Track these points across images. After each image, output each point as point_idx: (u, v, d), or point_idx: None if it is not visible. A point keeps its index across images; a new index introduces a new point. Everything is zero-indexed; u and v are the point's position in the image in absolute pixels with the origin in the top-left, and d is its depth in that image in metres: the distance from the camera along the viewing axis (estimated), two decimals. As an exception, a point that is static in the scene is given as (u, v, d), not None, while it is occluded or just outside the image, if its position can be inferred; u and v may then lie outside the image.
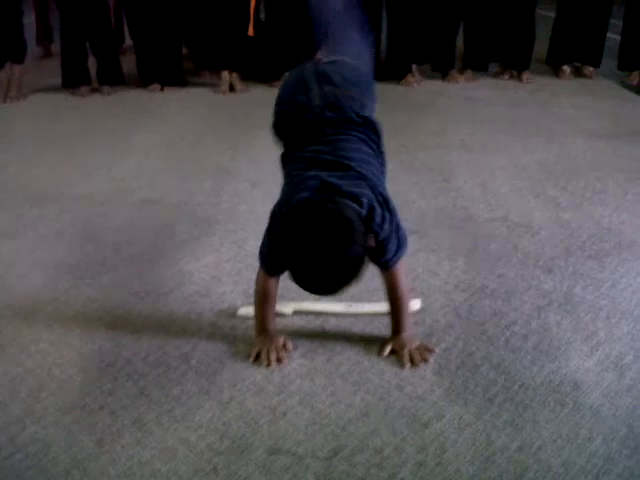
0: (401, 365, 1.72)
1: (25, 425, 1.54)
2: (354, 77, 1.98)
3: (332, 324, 1.90)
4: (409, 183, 2.88)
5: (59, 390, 1.65)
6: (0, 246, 2.43)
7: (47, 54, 5.84)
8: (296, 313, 1.95)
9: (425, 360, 1.73)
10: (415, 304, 1.93)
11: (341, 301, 1.96)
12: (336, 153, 1.70)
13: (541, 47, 4.91)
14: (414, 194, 2.77)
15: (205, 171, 3.13)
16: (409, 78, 4.74)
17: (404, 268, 1.76)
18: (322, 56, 2.04)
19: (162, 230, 2.52)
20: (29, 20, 5.27)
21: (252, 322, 1.88)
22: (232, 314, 1.95)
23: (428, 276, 2.15)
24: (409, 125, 3.81)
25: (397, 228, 1.68)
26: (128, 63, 4.90)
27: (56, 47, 5.36)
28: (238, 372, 1.70)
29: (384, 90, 4.61)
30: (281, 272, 1.72)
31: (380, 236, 1.61)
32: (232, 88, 4.66)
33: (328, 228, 1.47)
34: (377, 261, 1.69)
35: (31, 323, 1.94)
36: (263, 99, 4.46)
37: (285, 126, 1.93)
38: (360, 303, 1.97)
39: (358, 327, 1.88)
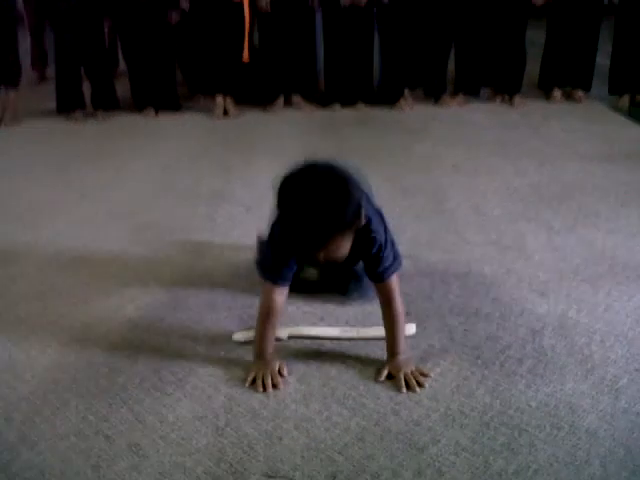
0: (397, 389, 1.72)
1: (19, 451, 1.53)
2: None
3: (328, 348, 1.90)
4: (402, 206, 2.90)
5: (54, 416, 1.64)
6: (-6, 271, 2.43)
7: (42, 78, 5.86)
8: (291, 338, 1.95)
9: (421, 385, 1.73)
10: (410, 328, 1.94)
11: (336, 326, 1.99)
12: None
13: (532, 71, 4.96)
14: (407, 217, 2.79)
15: (199, 195, 3.14)
16: (402, 102, 4.78)
17: (399, 287, 1.79)
18: None
19: (156, 254, 2.52)
20: (24, 45, 5.29)
21: (247, 347, 1.89)
22: (227, 339, 1.95)
23: (422, 300, 2.15)
24: (402, 149, 3.84)
25: (392, 243, 1.77)
26: (122, 87, 4.92)
27: (51, 71, 5.39)
28: (233, 397, 1.70)
29: (377, 115, 4.67)
30: (284, 278, 1.76)
31: (376, 243, 1.70)
32: (226, 112, 4.69)
33: (327, 176, 1.56)
34: (374, 271, 1.75)
35: (26, 348, 1.93)
36: (257, 123, 4.52)
37: None
38: (355, 328, 1.97)
39: (353, 351, 1.88)
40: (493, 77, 4.90)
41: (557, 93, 4.93)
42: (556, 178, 3.28)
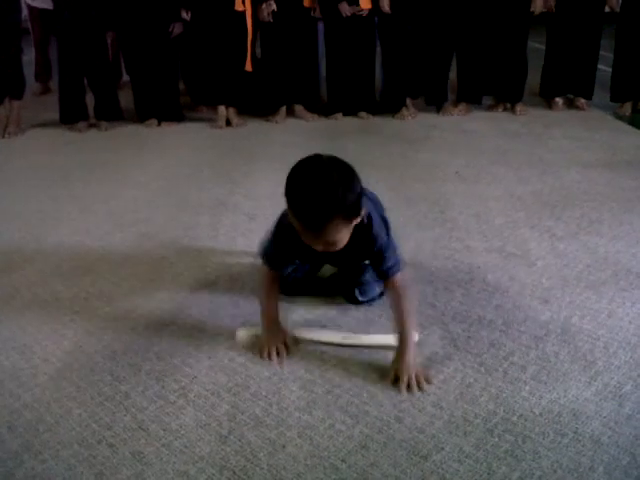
0: (398, 391, 1.73)
1: (23, 460, 1.53)
2: None
3: (331, 355, 1.90)
4: (405, 215, 2.90)
5: (57, 424, 1.64)
6: (-2, 281, 2.43)
7: (45, 90, 5.90)
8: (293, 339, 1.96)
9: (422, 390, 1.73)
10: (413, 337, 1.93)
11: (339, 332, 1.99)
12: None
13: (534, 79, 4.97)
14: (410, 226, 2.79)
15: (202, 205, 3.15)
16: (404, 111, 4.80)
17: (407, 287, 1.85)
18: None
19: (159, 264, 2.53)
20: (28, 57, 5.33)
21: (250, 354, 1.90)
22: (230, 347, 1.95)
23: (425, 307, 2.15)
24: (404, 157, 3.85)
25: (394, 248, 1.85)
26: (125, 98, 4.94)
27: (54, 83, 5.42)
28: (237, 405, 1.70)
29: (379, 124, 4.69)
30: (281, 266, 1.95)
31: (377, 243, 1.80)
32: (229, 122, 4.71)
33: (332, 164, 1.70)
34: (379, 269, 1.85)
35: (29, 357, 1.93)
36: (260, 133, 4.54)
37: None
38: (357, 335, 1.97)
39: (357, 359, 1.88)
40: (495, 86, 4.91)
41: (559, 101, 4.94)
42: (559, 185, 3.28)
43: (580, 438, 1.55)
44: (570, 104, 4.96)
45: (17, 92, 4.60)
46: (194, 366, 1.86)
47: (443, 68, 4.84)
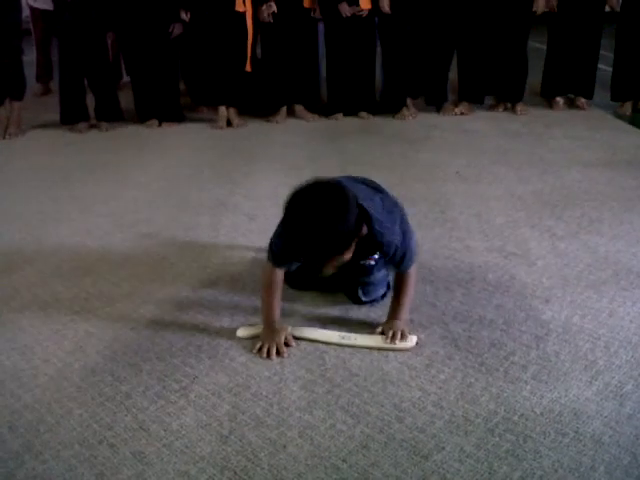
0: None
1: (24, 460, 1.53)
2: None
3: (331, 356, 1.90)
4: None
5: (58, 425, 1.65)
6: (-1, 281, 2.44)
7: (46, 91, 5.89)
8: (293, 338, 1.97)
9: (404, 337, 1.92)
10: (411, 340, 1.94)
11: (338, 332, 2.00)
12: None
13: (534, 79, 4.97)
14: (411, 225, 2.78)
15: (203, 205, 3.15)
16: (404, 111, 4.79)
17: (415, 268, 1.99)
18: None
19: (160, 264, 2.53)
20: (29, 57, 5.33)
21: (251, 355, 1.90)
22: (231, 347, 1.95)
23: (426, 307, 2.15)
24: (405, 157, 3.85)
25: (410, 235, 1.94)
26: (126, 99, 4.94)
27: (54, 84, 5.42)
28: (237, 405, 1.70)
29: (380, 124, 4.68)
30: (286, 264, 1.95)
31: (386, 247, 1.85)
32: (229, 123, 4.71)
33: (327, 201, 1.66)
34: (399, 267, 1.95)
35: (30, 357, 1.93)
36: (260, 133, 4.54)
37: None
38: (355, 335, 1.98)
39: (357, 359, 1.88)
40: (495, 85, 4.91)
41: (559, 101, 4.94)
42: (559, 185, 3.28)
43: (581, 438, 1.55)
44: (571, 104, 4.95)
45: (18, 93, 4.60)
46: (195, 366, 1.86)
47: (443, 68, 4.83)
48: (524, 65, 4.75)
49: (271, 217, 2.51)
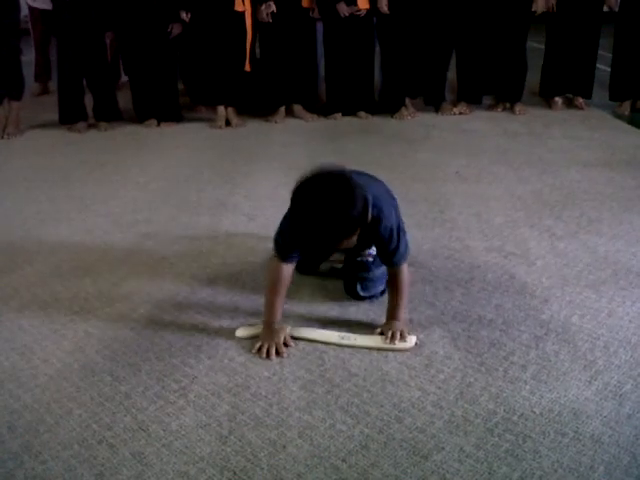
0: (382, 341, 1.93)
1: (23, 460, 1.53)
2: None
3: (331, 356, 1.90)
4: (405, 215, 2.85)
5: (57, 425, 1.64)
6: (-2, 281, 2.43)
7: (44, 91, 5.89)
8: (291, 338, 1.97)
9: (403, 338, 1.92)
10: (410, 340, 1.94)
11: (337, 332, 2.00)
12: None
13: (533, 79, 4.97)
14: (410, 225, 2.76)
15: (202, 205, 3.15)
16: (403, 111, 4.79)
17: (407, 267, 2.00)
18: None
19: (159, 264, 2.53)
20: (27, 57, 5.32)
21: (250, 355, 1.90)
22: (230, 347, 1.95)
23: (425, 307, 2.15)
24: (404, 157, 3.85)
25: (404, 232, 1.98)
26: (125, 99, 4.94)
27: (53, 84, 5.42)
28: (237, 406, 1.70)
29: (379, 124, 4.68)
30: (293, 258, 1.95)
31: (385, 237, 1.88)
32: (228, 123, 4.71)
33: (334, 188, 1.67)
34: (389, 261, 1.96)
35: (29, 357, 1.93)
36: (259, 133, 4.54)
37: None
38: (355, 335, 1.98)
39: (357, 359, 1.88)
40: (494, 85, 4.91)
41: (558, 100, 4.94)
42: (558, 185, 3.29)
43: (580, 437, 1.55)
44: (569, 103, 4.96)
45: (16, 93, 4.60)
46: (194, 366, 1.86)
47: (441, 68, 4.84)
48: (523, 65, 4.75)
49: (271, 217, 2.51)
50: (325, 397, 1.72)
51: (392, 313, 2.00)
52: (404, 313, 2.01)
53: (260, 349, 1.91)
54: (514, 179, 3.40)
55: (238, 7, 4.40)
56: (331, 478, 1.46)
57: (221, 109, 4.72)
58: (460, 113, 4.84)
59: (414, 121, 4.74)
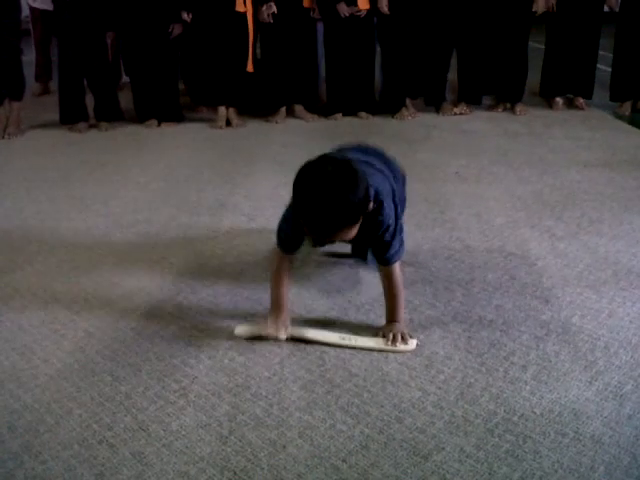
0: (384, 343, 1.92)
1: (23, 460, 1.53)
2: None
3: (331, 356, 1.90)
4: (405, 214, 2.86)
5: (57, 425, 1.64)
6: (-2, 281, 2.43)
7: (45, 91, 5.89)
8: (291, 339, 1.97)
9: (404, 340, 1.91)
10: (412, 343, 1.93)
11: (337, 332, 1.99)
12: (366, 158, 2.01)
13: (534, 79, 4.97)
14: (410, 226, 2.78)
15: (202, 205, 3.15)
16: (404, 112, 4.79)
17: (399, 268, 1.98)
18: None
19: (159, 264, 2.53)
20: (28, 57, 5.32)
21: (251, 355, 1.90)
22: (230, 347, 1.95)
23: (426, 307, 2.15)
24: (404, 157, 3.80)
25: (401, 229, 1.95)
26: (125, 99, 4.94)
27: (54, 84, 5.42)
28: (237, 406, 1.70)
29: (379, 124, 4.68)
30: (294, 250, 1.97)
31: (383, 227, 1.86)
32: (229, 123, 4.71)
33: (337, 172, 1.67)
34: (381, 256, 1.94)
35: (29, 357, 1.93)
36: (260, 134, 4.54)
37: None
38: (354, 336, 1.97)
39: (357, 359, 1.88)
40: (495, 85, 4.91)
41: (559, 101, 4.94)
42: (559, 185, 3.28)
43: (581, 438, 1.55)
44: (570, 104, 4.96)
45: (17, 93, 4.60)
46: (194, 366, 1.86)
47: (442, 68, 4.84)
48: (524, 65, 4.76)
49: (271, 217, 2.51)
50: (325, 397, 1.72)
51: (391, 315, 2.00)
52: (402, 314, 2.01)
53: (262, 331, 1.96)
54: (514, 179, 3.40)
55: (239, 8, 4.40)
56: (331, 478, 1.45)
57: (222, 109, 4.72)
58: (460, 113, 4.84)
59: (414, 121, 4.74)
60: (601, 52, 4.81)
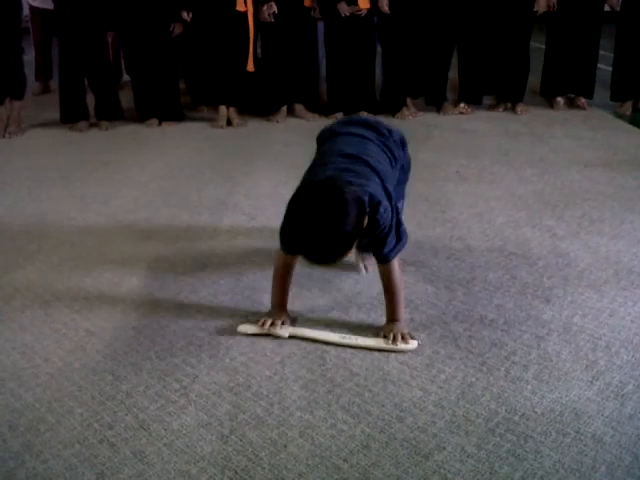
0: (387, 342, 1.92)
1: (24, 459, 1.53)
2: None
3: (332, 355, 1.90)
4: (406, 214, 2.87)
5: (58, 424, 1.64)
6: (0, 279, 2.43)
7: (45, 90, 5.89)
8: (292, 338, 1.97)
9: (405, 340, 1.91)
10: (413, 343, 1.93)
11: (338, 331, 2.00)
12: (358, 149, 2.05)
13: (534, 79, 4.97)
14: (411, 225, 2.76)
15: (203, 205, 3.15)
16: (404, 111, 4.79)
17: (399, 265, 1.98)
18: None
19: (160, 263, 2.53)
20: (29, 57, 5.32)
21: (252, 355, 1.90)
22: (231, 346, 1.95)
23: (427, 307, 2.15)
24: (405, 157, 3.83)
25: (398, 224, 1.93)
26: (126, 98, 4.94)
27: (54, 83, 5.41)
28: (238, 405, 1.70)
29: (380, 123, 4.66)
30: (297, 252, 1.95)
31: (380, 226, 1.85)
32: (229, 122, 4.70)
33: (326, 206, 1.69)
34: (379, 253, 1.93)
35: (30, 356, 1.93)
36: (260, 133, 4.53)
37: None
38: (354, 336, 1.97)
39: (358, 359, 1.88)
40: (496, 85, 4.90)
41: (560, 100, 4.94)
42: (560, 185, 3.28)
43: (582, 438, 1.54)
44: (571, 103, 4.95)
45: (18, 92, 4.59)
46: (195, 365, 1.86)
47: (442, 68, 4.83)
48: (525, 65, 4.75)
49: (271, 217, 2.51)
50: (326, 397, 1.72)
51: (391, 314, 1.99)
52: (402, 313, 2.00)
53: (264, 322, 1.98)
54: (515, 179, 3.39)
55: (240, 7, 4.40)
56: (332, 478, 1.45)
57: (222, 109, 4.72)
58: (461, 113, 4.84)
59: (415, 121, 4.73)
60: (602, 52, 4.80)
